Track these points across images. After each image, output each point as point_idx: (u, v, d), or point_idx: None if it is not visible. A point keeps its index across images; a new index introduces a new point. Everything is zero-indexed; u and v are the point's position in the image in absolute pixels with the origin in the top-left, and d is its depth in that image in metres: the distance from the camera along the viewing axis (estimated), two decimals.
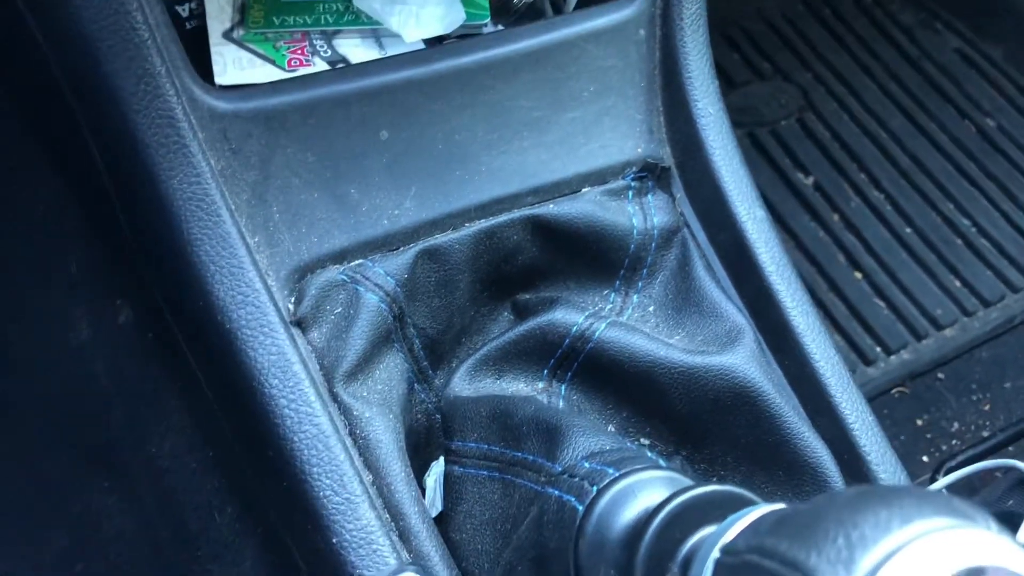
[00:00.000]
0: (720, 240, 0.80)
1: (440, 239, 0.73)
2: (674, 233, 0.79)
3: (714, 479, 0.73)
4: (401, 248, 0.72)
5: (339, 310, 0.70)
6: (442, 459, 0.76)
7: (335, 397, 0.67)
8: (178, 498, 0.86)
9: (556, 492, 0.58)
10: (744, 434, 0.73)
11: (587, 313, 0.75)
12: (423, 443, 0.75)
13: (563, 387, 0.76)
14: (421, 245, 0.72)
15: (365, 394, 0.69)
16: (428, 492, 0.71)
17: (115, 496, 0.90)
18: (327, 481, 0.63)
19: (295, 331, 0.67)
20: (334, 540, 0.62)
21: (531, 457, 0.64)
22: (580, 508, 0.55)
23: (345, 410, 0.67)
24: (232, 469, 0.81)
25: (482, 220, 0.74)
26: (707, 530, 0.48)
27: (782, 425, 0.73)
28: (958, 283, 1.51)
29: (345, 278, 0.70)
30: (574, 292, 0.80)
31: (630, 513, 0.53)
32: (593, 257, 0.78)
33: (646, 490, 0.54)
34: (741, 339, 0.75)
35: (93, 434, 0.92)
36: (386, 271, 0.71)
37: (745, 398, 0.73)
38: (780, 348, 0.77)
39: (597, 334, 0.74)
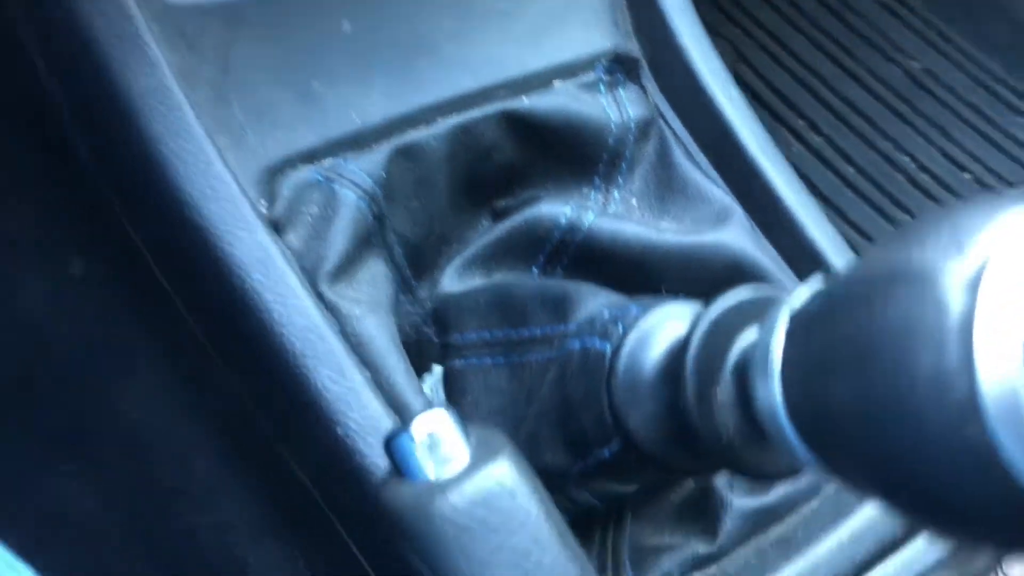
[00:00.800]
0: (698, 126, 0.78)
1: (414, 135, 0.69)
2: (650, 124, 0.77)
3: None
4: (375, 145, 0.68)
5: (316, 210, 0.65)
6: (437, 367, 0.72)
7: (321, 297, 0.62)
8: (150, 456, 0.80)
9: (577, 344, 0.54)
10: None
11: (572, 205, 0.72)
12: (414, 358, 0.70)
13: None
14: (396, 142, 0.69)
15: (352, 294, 0.64)
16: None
17: (79, 479, 0.84)
18: (325, 371, 0.59)
19: (270, 231, 0.63)
20: (339, 431, 0.57)
21: (539, 330, 0.61)
22: (607, 347, 0.51)
23: (333, 309, 0.62)
24: (210, 410, 0.76)
25: (456, 115, 0.71)
26: (751, 331, 0.45)
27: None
28: (906, 216, 1.52)
29: (320, 177, 0.66)
30: (553, 192, 0.77)
31: (665, 339, 0.50)
32: (571, 154, 0.76)
33: (676, 317, 0.51)
34: (731, 216, 0.73)
35: (50, 415, 0.85)
36: (362, 169, 0.67)
37: (742, 273, 0.71)
38: (772, 226, 0.75)
39: (587, 224, 0.71)
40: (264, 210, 0.64)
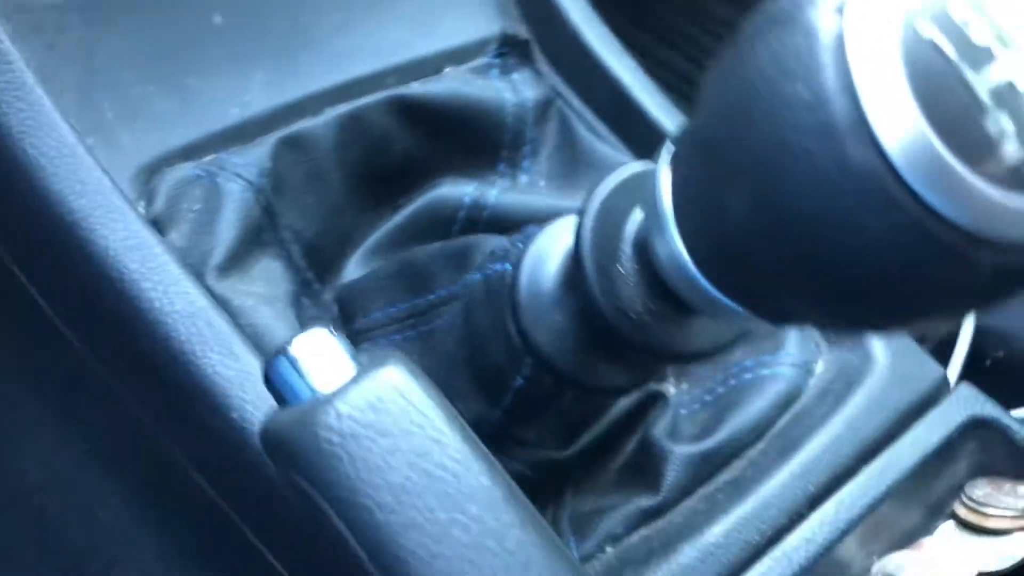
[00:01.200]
0: (598, 100, 0.76)
1: (299, 125, 0.66)
2: (548, 105, 0.75)
3: None
4: (258, 138, 0.65)
5: (198, 206, 0.62)
6: None
7: (209, 291, 0.58)
8: (56, 517, 0.73)
9: (479, 276, 0.51)
10: None
11: (475, 184, 0.69)
12: None
13: None
14: (280, 133, 0.65)
15: (244, 287, 0.60)
16: None
17: None
18: (215, 356, 0.54)
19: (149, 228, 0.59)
20: (234, 416, 0.52)
21: (445, 291, 0.57)
22: (507, 267, 0.48)
23: (223, 302, 0.58)
24: (110, 448, 0.70)
25: (342, 103, 0.68)
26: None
27: None
28: None
29: (200, 172, 0.63)
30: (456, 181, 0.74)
31: (564, 244, 0.46)
32: (470, 140, 0.73)
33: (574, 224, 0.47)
34: None
35: None
36: (246, 162, 0.64)
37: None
38: None
39: (492, 200, 0.68)
40: (142, 210, 0.60)
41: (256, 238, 0.63)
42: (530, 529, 0.36)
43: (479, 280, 0.50)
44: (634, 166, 0.43)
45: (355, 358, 0.40)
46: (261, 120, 0.65)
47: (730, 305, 0.36)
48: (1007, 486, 0.61)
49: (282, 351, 0.40)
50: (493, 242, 0.54)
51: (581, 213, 0.42)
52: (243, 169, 0.63)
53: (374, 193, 0.72)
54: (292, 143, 0.66)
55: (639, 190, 0.42)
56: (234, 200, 0.62)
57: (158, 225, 0.60)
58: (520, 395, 0.48)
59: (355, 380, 0.38)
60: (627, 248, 0.41)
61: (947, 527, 0.60)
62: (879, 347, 0.64)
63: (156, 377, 0.55)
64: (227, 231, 0.61)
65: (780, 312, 0.34)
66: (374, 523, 0.36)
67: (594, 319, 0.43)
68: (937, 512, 0.61)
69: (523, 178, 0.74)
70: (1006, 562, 0.57)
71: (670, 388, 0.68)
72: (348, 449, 0.37)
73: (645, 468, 0.58)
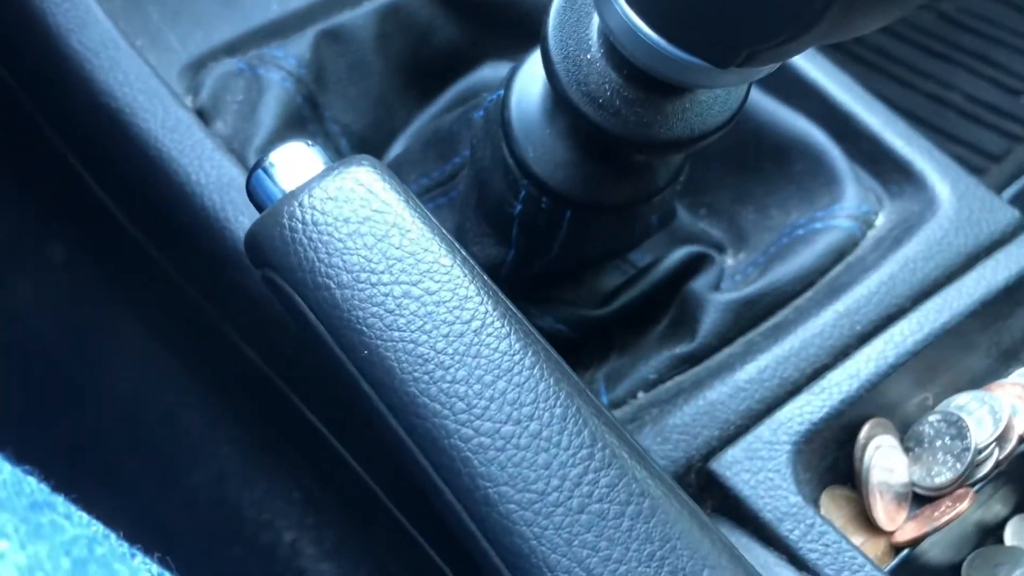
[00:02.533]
0: None
1: (339, 18, 0.68)
2: None
3: None
4: (298, 32, 0.67)
5: (241, 97, 0.64)
6: None
7: (245, 168, 0.60)
8: (141, 425, 0.77)
9: (479, 112, 0.50)
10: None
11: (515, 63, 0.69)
12: None
13: None
14: (320, 26, 0.67)
15: None
16: None
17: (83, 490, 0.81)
18: (245, 220, 0.55)
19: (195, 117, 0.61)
20: None
21: (467, 150, 0.56)
22: (502, 93, 0.47)
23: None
24: (187, 351, 0.73)
25: None
26: None
27: (754, 115, 0.65)
28: (966, 150, 1.43)
29: (243, 66, 0.65)
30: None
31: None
32: (514, 24, 0.72)
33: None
34: None
35: (64, 428, 0.84)
36: (285, 53, 0.65)
37: None
38: None
39: None
40: (189, 103, 0.62)
41: (299, 126, 0.64)
42: (488, 300, 0.36)
43: (480, 117, 0.50)
44: None
45: (327, 160, 0.40)
46: (301, 14, 0.67)
47: (679, 55, 0.34)
48: None
49: (259, 163, 0.41)
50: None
51: (548, 9, 0.41)
52: (283, 60, 0.65)
53: (419, 84, 0.73)
54: (333, 35, 0.67)
55: None
56: (275, 89, 0.63)
57: (203, 116, 0.62)
58: (522, 223, 0.48)
59: (320, 176, 0.39)
60: (593, 35, 0.39)
61: (1022, 372, 0.56)
62: (944, 192, 0.60)
63: (199, 249, 0.57)
64: (268, 117, 0.62)
65: (716, 38, 0.32)
66: (332, 300, 0.36)
67: (573, 120, 0.42)
68: (1011, 358, 0.57)
69: None
70: None
71: (728, 259, 0.65)
72: (309, 235, 0.37)
73: (683, 319, 0.56)
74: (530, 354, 0.35)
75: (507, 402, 0.33)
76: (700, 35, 0.33)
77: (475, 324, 0.35)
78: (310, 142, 0.41)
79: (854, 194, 0.61)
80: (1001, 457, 0.49)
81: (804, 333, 0.53)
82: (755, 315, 0.55)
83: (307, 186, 0.38)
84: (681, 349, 0.54)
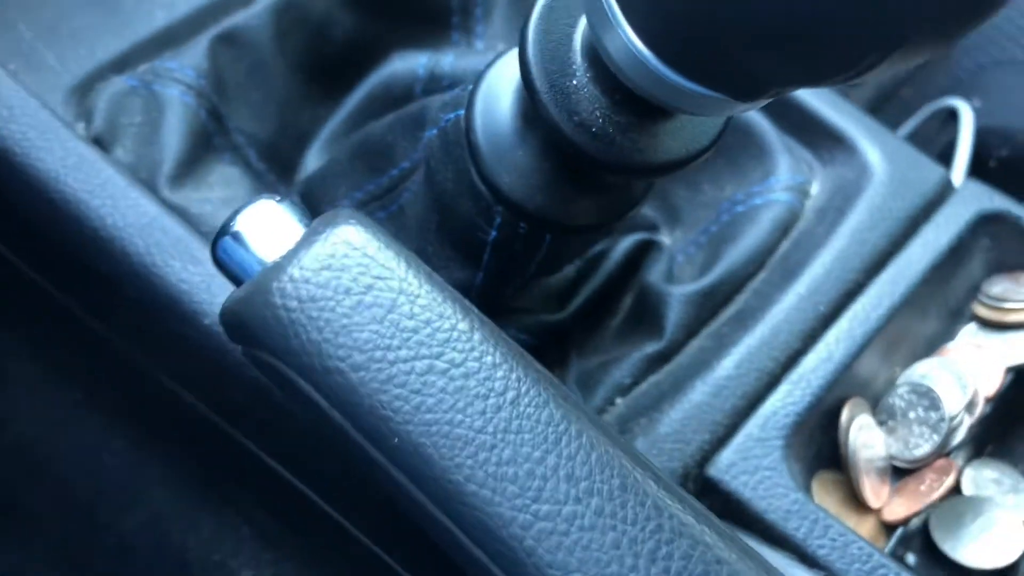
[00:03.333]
0: None
1: (232, 20, 0.62)
2: None
3: None
4: (190, 39, 0.61)
5: (139, 119, 0.58)
6: None
7: (163, 201, 0.55)
8: (62, 471, 0.71)
9: (433, 130, 0.47)
10: None
11: (428, 54, 0.65)
12: None
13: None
14: (213, 31, 0.61)
15: (200, 195, 0.57)
16: None
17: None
18: (176, 263, 0.51)
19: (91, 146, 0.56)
20: (206, 322, 0.49)
21: (407, 162, 0.53)
22: (462, 112, 0.44)
23: (181, 211, 0.55)
24: (108, 392, 0.68)
25: None
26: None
27: None
28: None
29: (136, 83, 0.59)
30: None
31: (514, 75, 0.43)
32: (417, 10, 0.69)
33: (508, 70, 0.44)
34: None
35: None
36: (180, 64, 0.60)
37: None
38: None
39: (448, 66, 0.64)
40: (82, 131, 0.57)
41: (206, 143, 0.60)
42: (518, 366, 0.33)
43: (434, 136, 0.47)
44: None
45: (303, 221, 0.37)
46: (190, 20, 0.61)
47: (694, 89, 0.32)
48: None
49: (225, 229, 0.37)
50: (445, 97, 0.51)
51: (522, 34, 0.39)
52: (179, 73, 0.59)
53: (324, 81, 0.68)
54: (227, 39, 0.62)
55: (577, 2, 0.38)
56: (175, 107, 0.58)
57: (100, 143, 0.56)
58: (497, 249, 0.45)
59: (304, 242, 0.35)
60: (578, 59, 0.37)
61: (969, 329, 0.58)
62: (875, 157, 0.60)
63: (123, 297, 0.52)
64: (173, 140, 0.57)
65: (745, 77, 0.31)
66: (347, 385, 0.33)
67: (557, 145, 0.39)
68: (957, 316, 0.59)
69: (478, 44, 0.70)
70: None
71: (664, 238, 0.65)
72: (308, 313, 0.34)
73: (645, 315, 0.55)
74: (574, 420, 0.33)
75: (562, 479, 0.31)
76: (723, 74, 0.31)
77: (510, 395, 0.33)
78: (277, 197, 0.37)
79: (787, 165, 0.61)
80: (973, 423, 0.51)
81: (771, 320, 0.53)
82: (716, 304, 0.55)
83: (293, 255, 0.35)
84: (651, 348, 0.53)
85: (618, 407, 0.52)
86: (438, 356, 0.33)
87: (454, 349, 0.33)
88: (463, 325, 0.34)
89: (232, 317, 0.36)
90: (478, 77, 0.44)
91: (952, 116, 0.83)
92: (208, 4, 0.62)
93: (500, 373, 0.33)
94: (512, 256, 0.45)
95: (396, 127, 0.54)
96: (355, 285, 0.34)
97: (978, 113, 0.77)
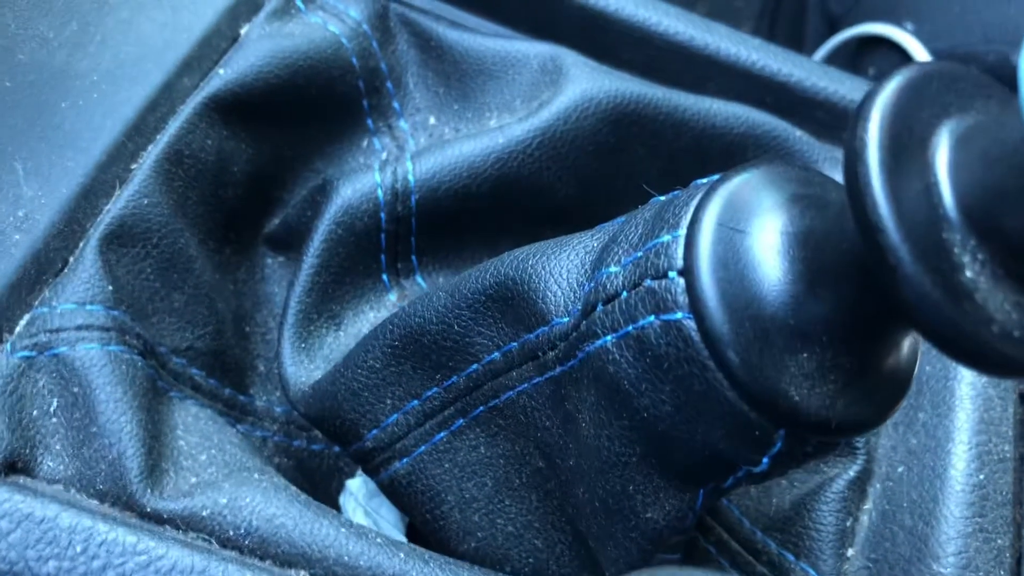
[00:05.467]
0: None
1: (116, 209, 0.43)
2: (384, 17, 0.55)
3: None
4: (73, 258, 0.42)
5: (55, 402, 0.39)
6: (352, 481, 0.48)
7: (156, 518, 0.37)
8: None
9: (601, 341, 0.33)
10: (652, 152, 0.52)
11: (376, 167, 0.49)
12: (307, 490, 0.46)
13: (418, 276, 0.50)
14: (96, 234, 0.42)
15: (193, 480, 0.39)
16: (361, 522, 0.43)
17: None
18: None
19: (10, 483, 0.36)
20: None
21: (497, 354, 0.38)
22: (676, 315, 0.30)
23: (190, 523, 0.37)
24: None
25: (150, 148, 0.45)
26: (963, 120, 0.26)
27: (690, 119, 0.52)
28: None
29: (26, 354, 0.39)
30: (332, 169, 0.53)
31: (771, 230, 0.29)
32: (320, 109, 0.52)
33: (760, 186, 0.30)
34: (565, 63, 0.52)
35: None
36: (78, 301, 0.41)
37: (630, 116, 0.51)
38: (609, 46, 0.55)
39: (411, 176, 0.48)
40: None
41: (155, 394, 0.41)
42: None
43: (611, 349, 0.32)
44: (925, 65, 0.26)
45: None
46: (61, 231, 0.42)
47: None
48: None
49: None
50: (558, 264, 0.36)
51: (849, 166, 0.25)
52: (85, 316, 0.40)
53: (239, 240, 0.51)
54: (119, 237, 0.43)
55: (957, 99, 0.25)
56: (102, 369, 0.40)
57: (15, 466, 0.37)
58: (752, 478, 0.32)
59: None
60: (955, 216, 0.24)
61: None
62: None
63: None
64: (123, 419, 0.39)
65: None
66: None
67: (893, 342, 0.27)
68: None
69: (403, 124, 0.54)
70: None
71: None
72: None
73: None
74: None
75: None
76: None
77: None
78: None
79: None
80: None
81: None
82: None
83: None
84: (855, 468, 0.43)
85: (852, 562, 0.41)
86: None
87: None
88: None
89: None
90: (688, 261, 0.30)
91: (862, 45, 0.76)
92: (75, 200, 0.42)
93: None
94: (768, 475, 0.33)
95: (462, 315, 0.39)
96: None
97: (916, 36, 0.70)
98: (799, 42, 1.01)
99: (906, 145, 0.25)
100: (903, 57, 0.69)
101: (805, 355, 0.29)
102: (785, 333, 0.29)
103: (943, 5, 0.69)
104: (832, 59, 0.78)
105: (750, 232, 0.29)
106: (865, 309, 0.28)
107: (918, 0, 0.70)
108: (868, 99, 0.26)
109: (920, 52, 0.67)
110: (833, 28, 0.81)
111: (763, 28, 1.22)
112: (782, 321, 0.29)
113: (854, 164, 0.25)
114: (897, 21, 0.71)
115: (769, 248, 0.29)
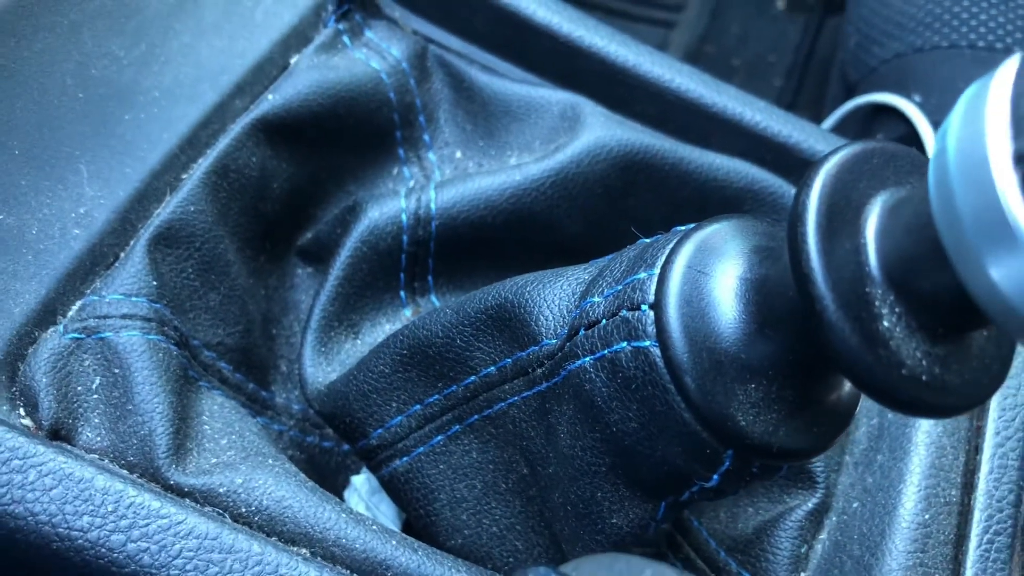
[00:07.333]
0: (479, 31, 0.61)
1: (166, 213, 0.48)
2: (423, 56, 0.59)
3: None
4: (122, 253, 0.47)
5: (98, 380, 0.44)
6: (357, 477, 0.53)
7: (178, 490, 0.42)
8: None
9: (581, 361, 0.37)
10: (656, 199, 0.56)
11: (403, 194, 0.54)
12: (316, 483, 0.50)
13: (432, 295, 0.55)
14: (146, 235, 0.47)
15: (213, 461, 0.44)
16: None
17: None
18: None
19: (56, 446, 0.41)
20: None
21: (493, 368, 0.43)
22: (644, 342, 0.35)
23: (205, 497, 0.42)
24: None
25: (200, 161, 0.50)
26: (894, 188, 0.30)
27: (694, 171, 0.56)
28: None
29: (76, 335, 0.44)
30: (363, 191, 0.58)
31: (730, 269, 0.34)
32: (357, 136, 0.57)
33: (729, 236, 0.35)
34: (583, 111, 0.57)
35: None
36: (125, 292, 0.46)
37: (638, 164, 0.55)
38: (626, 98, 0.59)
39: (433, 204, 0.53)
40: (29, 422, 0.42)
41: (186, 383, 0.46)
42: None
43: (585, 367, 0.37)
44: (851, 150, 0.30)
45: None
46: (115, 228, 0.47)
47: None
48: None
49: None
50: (551, 292, 0.40)
51: (792, 224, 0.29)
52: (129, 306, 0.45)
53: (272, 252, 0.56)
54: (166, 239, 0.48)
55: (893, 174, 0.30)
56: (141, 354, 0.44)
57: (61, 433, 0.42)
58: (705, 493, 0.36)
59: None
60: (877, 274, 0.28)
61: None
62: None
63: None
64: (154, 399, 0.44)
65: None
66: None
67: (825, 382, 0.31)
68: None
69: (431, 156, 0.59)
70: None
71: None
72: None
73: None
74: None
75: None
76: None
77: None
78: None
79: None
80: None
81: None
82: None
83: None
84: (813, 502, 0.47)
85: None
86: None
87: None
88: None
89: None
90: (659, 297, 0.34)
91: (875, 111, 0.80)
92: (130, 202, 0.48)
93: None
94: (719, 492, 0.37)
95: (465, 331, 0.43)
96: None
97: (921, 108, 0.74)
98: (820, 101, 1.05)
99: (842, 210, 0.29)
100: (908, 126, 0.73)
101: (753, 386, 0.33)
102: (736, 365, 0.33)
103: (949, 81, 0.73)
104: (846, 121, 0.82)
105: (713, 275, 0.34)
106: (805, 350, 0.32)
107: (927, 75, 0.74)
108: (814, 169, 0.30)
109: (923, 123, 0.71)
110: (850, 93, 0.85)
111: (792, 83, 1.27)
112: (734, 355, 0.33)
113: (795, 224, 0.29)
114: (906, 92, 0.75)
115: (728, 290, 0.33)
